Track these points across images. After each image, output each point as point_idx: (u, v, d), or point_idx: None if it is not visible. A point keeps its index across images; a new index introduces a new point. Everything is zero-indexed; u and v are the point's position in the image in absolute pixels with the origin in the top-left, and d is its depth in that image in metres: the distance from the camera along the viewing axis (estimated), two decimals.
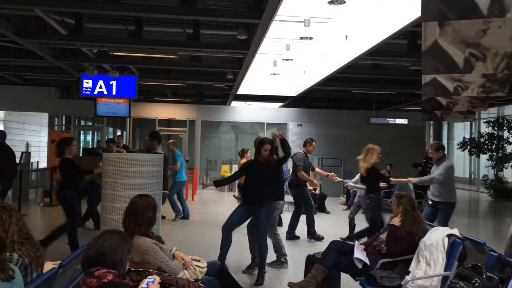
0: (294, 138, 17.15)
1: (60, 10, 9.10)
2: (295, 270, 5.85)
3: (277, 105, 19.45)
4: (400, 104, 18.39)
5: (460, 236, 3.95)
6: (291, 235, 7.76)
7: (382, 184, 6.70)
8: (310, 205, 7.96)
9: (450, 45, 4.04)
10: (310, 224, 7.84)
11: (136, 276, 2.94)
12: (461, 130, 21.74)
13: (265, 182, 5.38)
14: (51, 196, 10.99)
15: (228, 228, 5.40)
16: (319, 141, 16.35)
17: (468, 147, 14.65)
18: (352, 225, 7.81)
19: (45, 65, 14.18)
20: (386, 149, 17.16)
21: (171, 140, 10.13)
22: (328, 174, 8.08)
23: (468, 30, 3.91)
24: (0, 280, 2.22)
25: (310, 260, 4.70)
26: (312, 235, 7.79)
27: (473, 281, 3.48)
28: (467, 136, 17.35)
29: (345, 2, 8.40)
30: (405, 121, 18.27)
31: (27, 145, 18.33)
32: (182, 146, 17.66)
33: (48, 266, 2.99)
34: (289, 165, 11.98)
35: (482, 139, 14.35)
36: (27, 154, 12.71)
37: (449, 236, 3.96)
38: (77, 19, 9.80)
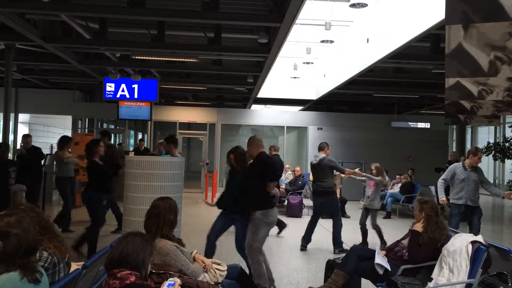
0: (314, 142, 17.04)
1: (85, 15, 9.29)
2: (315, 275, 5.82)
3: (297, 108, 19.42)
4: (422, 107, 18.14)
5: (484, 243, 3.87)
6: (305, 247, 7.36)
7: None
8: (339, 215, 7.53)
9: (475, 48, 3.98)
10: (340, 234, 7.38)
11: (157, 278, 2.96)
12: (485, 135, 21.32)
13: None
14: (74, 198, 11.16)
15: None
16: (339, 145, 16.36)
17: (493, 152, 14.33)
18: (364, 230, 7.46)
19: (69, 69, 14.49)
20: (408, 154, 17.14)
21: (160, 141, 10.17)
22: (355, 171, 7.53)
23: (493, 33, 3.85)
24: (27, 281, 2.27)
25: (330, 265, 4.67)
26: (340, 246, 7.32)
27: None
28: (492, 141, 16.98)
29: (366, 5, 8.34)
30: (427, 125, 18.01)
31: (51, 147, 18.69)
32: (202, 149, 17.77)
33: (72, 267, 3.05)
34: (308, 169, 11.88)
35: (507, 144, 14.02)
36: (51, 156, 12.96)
37: (473, 242, 3.88)
38: (101, 24, 9.99)
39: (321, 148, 7.64)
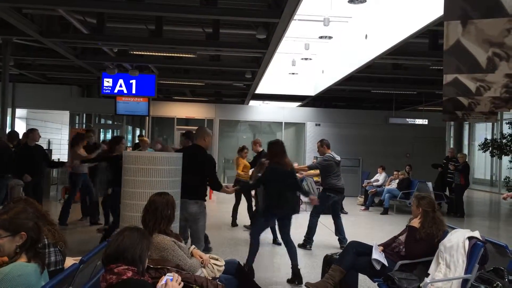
0: (312, 138, 17.07)
1: (82, 9, 9.25)
2: (312, 270, 5.84)
3: (295, 104, 19.42)
4: (420, 104, 18.16)
5: (481, 239, 3.89)
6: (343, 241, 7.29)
7: None
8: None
9: (473, 44, 3.98)
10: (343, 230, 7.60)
11: (155, 273, 2.96)
12: (483, 131, 21.36)
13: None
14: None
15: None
16: (337, 141, 16.37)
17: (490, 148, 14.37)
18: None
19: (67, 64, 14.43)
20: (405, 150, 17.18)
21: (145, 138, 10.16)
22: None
23: (492, 29, 3.86)
24: (40, 271, 2.31)
25: (328, 261, 4.68)
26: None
27: (495, 285, 3.42)
28: (489, 137, 17.02)
29: (365, 1, 8.33)
30: (425, 122, 18.04)
31: (49, 142, 18.67)
32: None
33: (69, 262, 3.05)
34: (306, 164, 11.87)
35: (504, 140, 14.05)
36: (48, 152, 12.93)
37: (470, 238, 3.90)
38: (99, 19, 9.95)
39: (329, 145, 7.55)
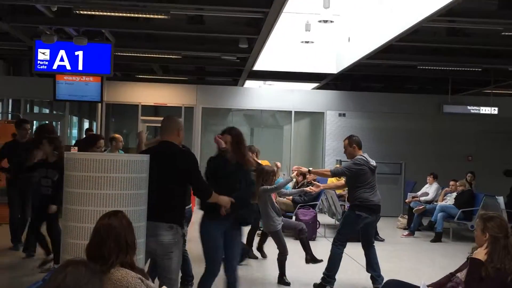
0: (334, 133, 17.06)
1: None
2: None
3: (310, 86, 19.42)
4: (487, 85, 18.17)
5: None
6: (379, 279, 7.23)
7: None
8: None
9: None
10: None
11: None
12: None
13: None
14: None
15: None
16: (370, 138, 16.38)
17: None
18: None
19: None
20: (466, 151, 17.18)
21: (116, 135, 10.16)
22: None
23: None
24: None
25: None
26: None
27: None
28: None
29: None
30: (494, 110, 18.06)
31: None
32: None
33: None
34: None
35: None
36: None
37: None
38: None
39: (359, 143, 7.51)
